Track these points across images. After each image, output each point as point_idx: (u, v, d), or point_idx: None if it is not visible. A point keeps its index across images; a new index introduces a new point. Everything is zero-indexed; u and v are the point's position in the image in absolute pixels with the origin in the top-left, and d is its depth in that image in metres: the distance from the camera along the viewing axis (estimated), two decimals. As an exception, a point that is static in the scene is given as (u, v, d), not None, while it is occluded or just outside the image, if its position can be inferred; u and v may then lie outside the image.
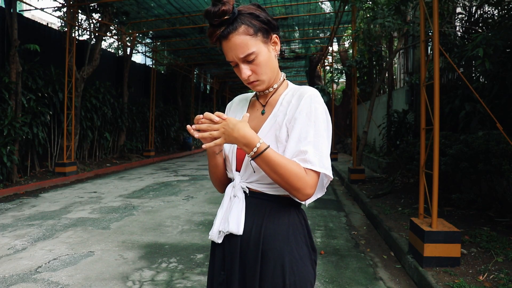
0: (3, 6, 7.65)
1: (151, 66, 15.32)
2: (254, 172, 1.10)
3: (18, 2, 7.65)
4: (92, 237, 4.13)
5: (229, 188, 1.15)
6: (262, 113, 1.17)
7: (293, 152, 1.03)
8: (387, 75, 10.79)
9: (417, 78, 7.56)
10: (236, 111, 1.26)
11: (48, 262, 3.35)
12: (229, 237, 1.10)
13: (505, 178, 4.02)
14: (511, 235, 3.66)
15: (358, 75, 10.05)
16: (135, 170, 10.65)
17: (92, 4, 9.98)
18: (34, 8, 8.60)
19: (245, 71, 1.09)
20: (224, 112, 1.16)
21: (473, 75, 5.81)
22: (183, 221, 4.83)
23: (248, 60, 1.07)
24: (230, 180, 1.22)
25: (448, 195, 5.08)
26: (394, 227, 4.19)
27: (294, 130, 1.05)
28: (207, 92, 24.77)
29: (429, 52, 5.67)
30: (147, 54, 15.49)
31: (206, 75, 23.42)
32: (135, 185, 7.71)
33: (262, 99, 1.20)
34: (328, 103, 15.77)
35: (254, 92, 1.24)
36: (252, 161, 1.07)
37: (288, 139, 1.06)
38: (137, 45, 15.18)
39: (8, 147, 6.88)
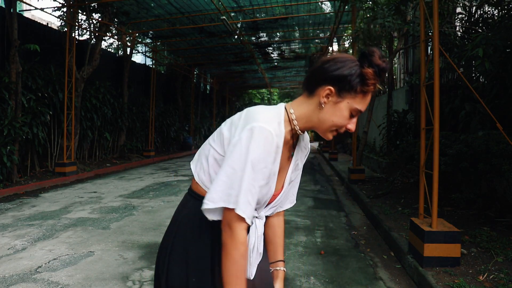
0: (3, 6, 7.65)
1: (151, 66, 15.32)
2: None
3: (18, 2, 7.65)
4: (92, 237, 4.13)
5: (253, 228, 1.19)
6: (292, 155, 1.23)
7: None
8: (387, 75, 10.76)
9: (417, 78, 7.55)
10: (282, 151, 1.15)
11: (48, 262, 3.35)
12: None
13: (505, 178, 4.02)
14: (511, 235, 3.66)
15: (358, 75, 10.04)
16: (135, 170, 10.65)
17: (92, 4, 9.98)
18: (34, 8, 8.60)
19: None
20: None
21: (473, 75, 5.81)
22: (183, 221, 4.82)
23: None
24: None
25: (448, 195, 5.08)
26: (394, 227, 4.19)
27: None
28: (207, 92, 24.77)
29: (429, 52, 5.67)
30: (147, 54, 15.49)
31: (206, 75, 23.42)
32: (135, 185, 7.70)
33: (294, 139, 1.19)
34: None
35: (283, 129, 1.11)
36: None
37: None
38: (137, 45, 15.19)
39: (8, 147, 6.88)
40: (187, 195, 1.23)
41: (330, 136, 1.14)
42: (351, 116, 1.09)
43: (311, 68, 1.14)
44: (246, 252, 1.04)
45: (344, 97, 1.06)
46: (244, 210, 1.00)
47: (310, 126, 1.14)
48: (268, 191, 1.12)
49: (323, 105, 1.08)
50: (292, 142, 1.17)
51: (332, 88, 1.06)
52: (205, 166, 1.14)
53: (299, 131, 1.14)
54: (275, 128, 1.04)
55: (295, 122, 1.13)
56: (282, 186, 1.22)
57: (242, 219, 1.01)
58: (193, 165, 1.21)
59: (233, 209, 1.00)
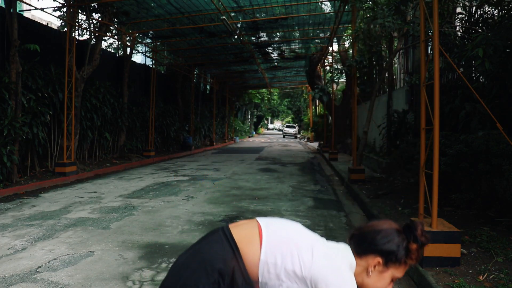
0: (3, 6, 7.65)
1: (151, 66, 15.32)
2: None
3: (18, 2, 7.65)
4: (92, 237, 4.13)
5: None
6: None
7: None
8: (387, 75, 10.78)
9: (417, 78, 7.55)
10: None
11: (48, 262, 3.35)
12: None
13: (505, 178, 4.02)
14: (511, 235, 3.66)
15: (358, 75, 10.06)
16: (135, 170, 10.65)
17: (92, 4, 9.98)
18: (34, 8, 8.61)
19: None
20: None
21: (473, 75, 5.80)
22: (183, 221, 4.82)
23: None
24: None
25: (448, 195, 5.08)
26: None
27: None
28: (207, 92, 24.78)
29: (429, 52, 5.67)
30: (147, 54, 15.49)
31: (206, 75, 23.42)
32: (135, 185, 7.70)
33: None
34: (328, 103, 15.78)
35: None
36: None
37: None
38: (137, 45, 15.19)
39: (8, 147, 6.88)
40: (232, 261, 1.22)
41: None
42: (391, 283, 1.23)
43: (362, 229, 1.27)
44: None
45: (389, 267, 1.20)
46: None
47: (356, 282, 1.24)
48: None
49: (370, 273, 1.20)
50: None
51: (381, 260, 1.20)
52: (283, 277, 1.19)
53: None
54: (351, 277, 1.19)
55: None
56: None
57: None
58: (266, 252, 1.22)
59: None
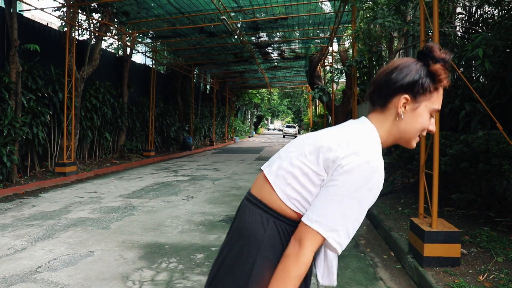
0: (3, 6, 7.65)
1: (151, 66, 15.32)
2: None
3: (18, 2, 7.65)
4: (92, 237, 4.12)
5: None
6: None
7: None
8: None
9: (417, 78, 7.55)
10: None
11: (48, 262, 3.35)
12: None
13: (505, 178, 4.02)
14: (511, 235, 3.66)
15: (358, 75, 10.05)
16: (135, 170, 10.65)
17: (92, 4, 9.98)
18: (34, 8, 8.60)
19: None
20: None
21: (473, 75, 5.81)
22: (183, 221, 4.82)
23: None
24: None
25: (448, 195, 5.08)
26: (394, 227, 4.19)
27: None
28: (207, 92, 24.77)
29: (429, 52, 5.66)
30: (147, 54, 15.49)
31: (206, 75, 23.42)
32: (135, 185, 7.70)
33: None
34: (328, 103, 15.78)
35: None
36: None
37: None
38: (137, 45, 15.19)
39: (8, 147, 6.88)
40: (261, 212, 1.09)
41: (414, 144, 1.10)
42: (431, 116, 1.08)
43: (375, 81, 1.12)
44: (303, 275, 0.98)
45: (420, 101, 1.05)
46: (342, 242, 0.97)
47: (391, 141, 1.11)
48: None
49: (402, 116, 1.06)
50: None
51: (407, 96, 1.05)
52: (294, 185, 1.05)
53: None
54: (381, 160, 1.01)
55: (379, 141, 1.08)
56: None
57: (318, 242, 0.97)
58: (272, 177, 1.09)
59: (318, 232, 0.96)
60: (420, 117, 1.06)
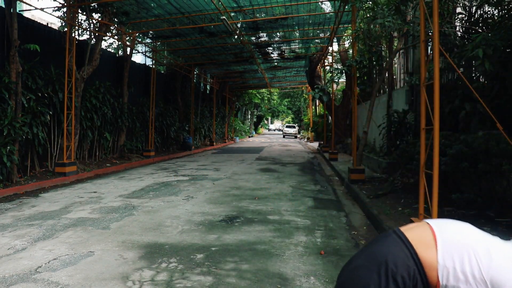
0: (3, 6, 7.65)
1: (151, 66, 15.32)
2: None
3: (18, 2, 7.65)
4: (92, 237, 4.12)
5: None
6: None
7: None
8: (387, 75, 10.79)
9: (417, 78, 7.56)
10: None
11: (48, 262, 3.35)
12: None
13: (505, 178, 4.02)
14: (511, 235, 3.66)
15: (358, 75, 10.06)
16: (135, 170, 10.65)
17: (92, 4, 9.98)
18: (34, 8, 8.60)
19: None
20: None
21: (473, 75, 5.81)
22: (183, 221, 4.83)
23: None
24: None
25: (448, 195, 5.08)
26: (394, 227, 4.18)
27: None
28: (207, 92, 24.78)
29: (429, 52, 5.66)
30: (147, 54, 15.49)
31: (206, 75, 23.43)
32: (135, 185, 7.70)
33: None
34: (328, 103, 15.78)
35: None
36: None
37: None
38: (137, 45, 15.19)
39: (8, 147, 6.88)
40: None
41: None
42: None
43: None
44: None
45: None
46: None
47: None
48: None
49: None
50: None
51: None
52: None
53: None
54: None
55: None
56: None
57: None
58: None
59: None
60: None
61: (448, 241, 1.16)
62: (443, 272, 1.12)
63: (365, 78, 13.54)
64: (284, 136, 41.22)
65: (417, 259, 1.15)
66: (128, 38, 13.35)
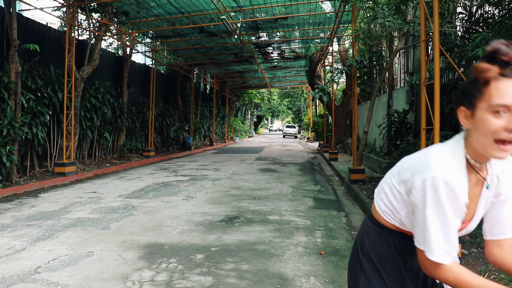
0: (3, 5, 7.64)
1: (151, 66, 15.31)
2: None
3: (17, 1, 7.64)
4: (91, 237, 4.12)
5: None
6: (487, 188, 1.09)
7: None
8: (387, 75, 10.79)
9: (417, 78, 7.55)
10: (463, 190, 1.03)
11: (48, 262, 3.34)
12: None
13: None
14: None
15: (358, 75, 10.04)
16: (134, 170, 10.64)
17: (91, 4, 9.97)
18: (33, 8, 8.59)
19: None
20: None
21: (474, 75, 5.79)
22: (183, 221, 4.82)
23: None
24: None
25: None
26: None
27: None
28: (207, 92, 24.77)
29: (429, 52, 5.66)
30: (147, 54, 15.48)
31: (206, 75, 23.43)
32: (135, 185, 7.69)
33: (480, 170, 1.07)
34: (328, 103, 15.77)
35: (464, 158, 1.04)
36: None
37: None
38: (137, 45, 15.18)
39: (8, 147, 6.87)
40: (368, 221, 1.32)
41: (498, 155, 0.95)
42: (500, 115, 0.93)
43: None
44: (458, 267, 1.02)
45: (474, 105, 0.97)
46: (441, 257, 1.01)
47: (479, 154, 1.01)
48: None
49: (465, 129, 1.03)
50: (482, 175, 1.07)
51: (462, 107, 1.02)
52: (385, 200, 1.22)
53: (476, 163, 1.03)
54: (450, 174, 0.98)
55: (468, 156, 1.03)
56: (472, 217, 1.14)
57: (441, 264, 1.03)
58: (376, 196, 1.30)
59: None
60: (480, 122, 0.95)
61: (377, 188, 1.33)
62: (384, 213, 1.24)
63: (365, 78, 13.53)
64: (284, 136, 41.21)
65: (372, 218, 1.30)
66: (127, 38, 13.34)
